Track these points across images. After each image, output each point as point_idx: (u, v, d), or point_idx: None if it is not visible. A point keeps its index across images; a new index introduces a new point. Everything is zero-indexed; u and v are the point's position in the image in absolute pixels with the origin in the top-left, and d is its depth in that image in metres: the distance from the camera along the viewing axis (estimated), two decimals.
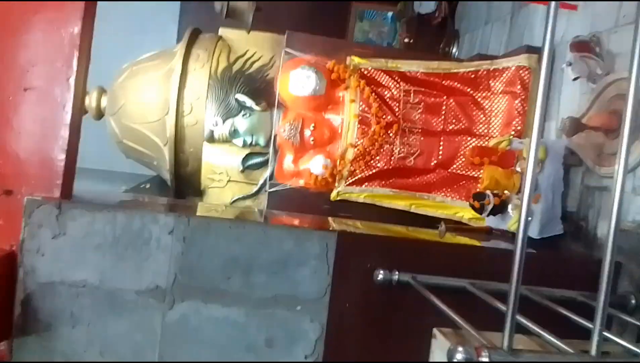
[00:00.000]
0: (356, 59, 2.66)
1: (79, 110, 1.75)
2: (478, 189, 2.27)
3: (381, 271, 1.71)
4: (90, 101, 2.61)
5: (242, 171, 2.63)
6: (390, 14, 4.21)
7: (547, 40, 1.20)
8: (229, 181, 2.62)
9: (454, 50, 3.84)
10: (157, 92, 2.50)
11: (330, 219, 2.43)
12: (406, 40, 4.06)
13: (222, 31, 2.70)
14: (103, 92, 2.67)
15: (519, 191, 2.16)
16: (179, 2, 4.12)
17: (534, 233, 2.12)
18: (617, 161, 1.19)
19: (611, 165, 2.01)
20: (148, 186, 2.86)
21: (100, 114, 2.67)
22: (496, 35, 3.25)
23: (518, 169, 2.23)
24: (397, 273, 1.70)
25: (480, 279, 1.75)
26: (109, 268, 1.64)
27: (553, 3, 1.19)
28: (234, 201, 2.63)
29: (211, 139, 2.56)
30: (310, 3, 4.15)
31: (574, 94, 2.34)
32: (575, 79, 2.13)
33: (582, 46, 2.17)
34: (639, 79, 1.23)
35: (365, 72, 2.65)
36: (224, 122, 2.55)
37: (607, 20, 2.16)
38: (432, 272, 1.75)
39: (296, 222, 2.13)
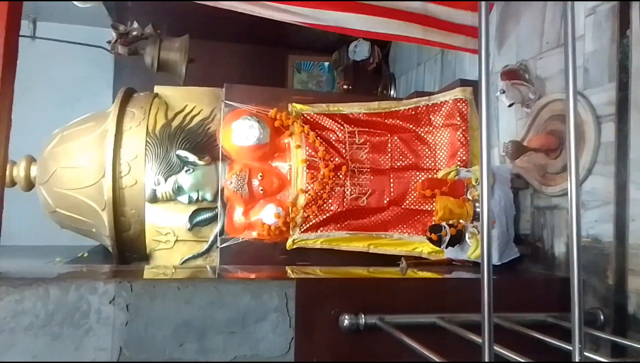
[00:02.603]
0: (298, 106, 2.65)
1: (2, 181, 1.60)
2: (433, 222, 2.25)
3: (346, 316, 1.61)
4: (19, 171, 2.43)
5: (190, 229, 2.49)
6: (326, 64, 4.30)
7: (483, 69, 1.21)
8: (176, 241, 2.47)
9: (392, 92, 3.95)
10: (91, 155, 2.36)
11: (288, 269, 2.32)
12: (345, 87, 4.14)
13: (157, 89, 2.63)
14: (32, 161, 2.50)
15: (473, 218, 2.15)
16: (113, 65, 4.04)
17: (494, 259, 2.10)
18: (568, 178, 1.17)
19: (557, 184, 2.06)
20: (86, 254, 2.64)
21: (30, 185, 2.48)
22: (429, 74, 3.37)
23: (469, 197, 2.23)
24: (363, 316, 1.61)
25: (448, 311, 1.69)
26: (42, 350, 1.45)
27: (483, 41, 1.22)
28: (184, 262, 2.47)
29: (154, 199, 2.43)
30: (247, 58, 4.19)
31: (510, 120, 2.41)
32: (510, 105, 2.19)
33: (512, 74, 2.26)
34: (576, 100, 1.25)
35: (308, 118, 2.64)
36: (166, 180, 2.44)
37: (532, 48, 2.27)
38: (400, 311, 1.68)
39: (251, 275, 2.01)
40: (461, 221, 2.23)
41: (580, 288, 1.11)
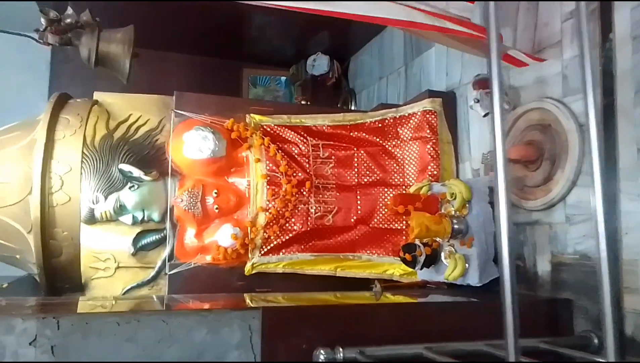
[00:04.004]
0: (256, 117, 2.43)
1: None
2: (409, 240, 2.07)
3: (322, 351, 1.38)
4: None
5: (134, 254, 2.19)
6: (283, 78, 4.12)
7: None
8: (117, 267, 2.16)
9: (352, 107, 3.81)
10: (16, 168, 2.04)
11: (247, 297, 2.06)
12: (303, 102, 3.97)
13: (97, 95, 2.34)
14: None
15: (451, 236, 1.99)
16: (48, 75, 3.68)
17: (474, 280, 1.94)
18: (592, 179, 1.03)
19: (537, 198, 1.94)
20: (5, 285, 2.26)
21: None
22: (393, 88, 3.25)
23: (444, 213, 2.08)
24: (341, 350, 1.39)
25: (435, 340, 1.50)
26: None
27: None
28: (127, 292, 2.16)
29: (91, 219, 2.12)
30: (199, 71, 3.94)
31: (483, 132, 2.30)
32: (485, 115, 2.07)
33: (485, 83, 2.15)
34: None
35: (269, 130, 2.42)
36: (106, 198, 2.14)
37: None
38: (381, 341, 1.46)
39: (207, 305, 1.75)
40: (437, 239, 2.07)
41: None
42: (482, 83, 2.16)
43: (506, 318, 1.01)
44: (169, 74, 3.80)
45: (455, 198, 2.02)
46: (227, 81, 4.03)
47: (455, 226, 1.98)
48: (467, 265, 1.97)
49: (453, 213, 2.04)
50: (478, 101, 2.08)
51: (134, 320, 1.31)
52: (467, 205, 2.00)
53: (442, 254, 2.07)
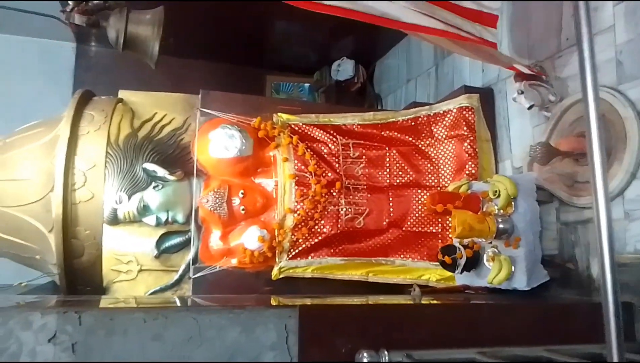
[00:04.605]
0: (284, 116, 2.34)
1: None
2: (448, 241, 1.94)
3: (365, 354, 1.25)
4: None
5: (158, 256, 2.09)
6: (306, 85, 4.05)
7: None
8: (140, 270, 2.06)
9: None
10: (38, 165, 1.97)
11: (273, 302, 1.94)
12: None
13: (122, 93, 2.28)
14: None
15: (495, 236, 1.85)
16: (72, 82, 3.66)
17: (522, 284, 1.80)
18: None
19: (590, 194, 1.79)
20: (24, 284, 2.17)
21: None
22: (422, 90, 3.15)
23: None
24: (386, 353, 1.25)
25: (482, 343, 1.36)
26: None
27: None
28: (150, 295, 2.05)
29: (114, 220, 2.04)
30: (222, 78, 3.88)
31: (525, 128, 2.17)
32: (530, 107, 1.95)
33: (529, 75, 2.03)
34: None
35: (296, 128, 2.33)
36: (130, 198, 2.06)
37: (548, 47, 2.06)
38: (426, 344, 1.33)
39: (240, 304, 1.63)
40: (478, 240, 1.94)
41: None
42: (525, 74, 2.05)
43: (609, 323, 0.89)
44: (192, 81, 3.70)
45: (498, 196, 1.89)
46: (250, 88, 3.95)
47: (501, 226, 1.84)
48: (513, 267, 1.82)
49: (497, 211, 1.90)
50: (522, 93, 1.96)
51: (162, 316, 1.20)
52: (512, 203, 1.87)
53: (484, 256, 1.93)
